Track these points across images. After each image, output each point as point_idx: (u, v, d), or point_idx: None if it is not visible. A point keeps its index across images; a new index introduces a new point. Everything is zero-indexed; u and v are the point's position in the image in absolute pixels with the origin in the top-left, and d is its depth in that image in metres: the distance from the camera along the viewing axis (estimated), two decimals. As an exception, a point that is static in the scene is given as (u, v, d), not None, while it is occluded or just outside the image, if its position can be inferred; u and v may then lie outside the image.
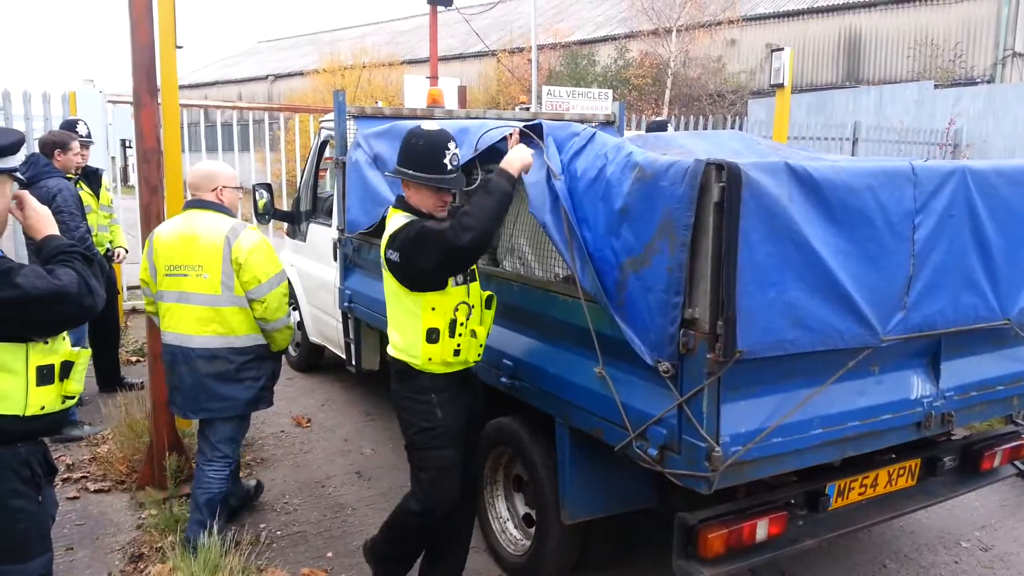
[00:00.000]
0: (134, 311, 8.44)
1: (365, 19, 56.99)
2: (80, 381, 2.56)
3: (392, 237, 2.99)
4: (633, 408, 2.84)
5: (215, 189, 3.73)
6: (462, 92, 9.93)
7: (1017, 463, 3.86)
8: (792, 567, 3.92)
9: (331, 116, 5.35)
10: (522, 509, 3.86)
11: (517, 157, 3.03)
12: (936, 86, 16.41)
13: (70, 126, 5.87)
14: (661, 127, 7.98)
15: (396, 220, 3.05)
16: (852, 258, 2.66)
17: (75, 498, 4.52)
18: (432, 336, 3.03)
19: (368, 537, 3.55)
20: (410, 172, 3.01)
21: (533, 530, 3.68)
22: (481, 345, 3.21)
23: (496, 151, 3.45)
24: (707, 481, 2.59)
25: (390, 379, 3.27)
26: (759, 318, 2.50)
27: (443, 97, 6.22)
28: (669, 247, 2.58)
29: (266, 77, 34.53)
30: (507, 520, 3.91)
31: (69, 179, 5.45)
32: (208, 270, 3.60)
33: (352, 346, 5.35)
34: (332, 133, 5.38)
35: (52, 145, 5.49)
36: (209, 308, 3.63)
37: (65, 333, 2.53)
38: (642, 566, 3.92)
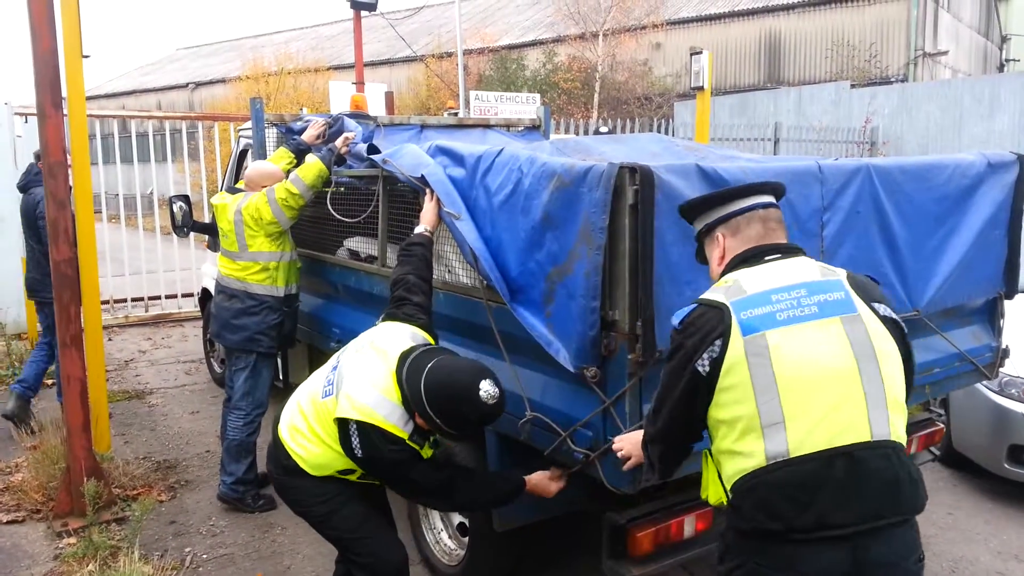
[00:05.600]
0: (50, 331, 8.09)
1: (289, 24, 56.11)
2: None
3: (369, 438, 2.65)
4: (559, 412, 2.85)
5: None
6: (389, 98, 9.80)
7: (932, 449, 4.01)
8: (723, 561, 3.97)
9: (249, 124, 5.23)
10: (456, 518, 3.83)
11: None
12: (852, 86, 16.98)
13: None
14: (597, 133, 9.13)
15: (379, 404, 2.68)
16: (763, 256, 2.70)
17: (-15, 531, 4.30)
18: (347, 472, 2.86)
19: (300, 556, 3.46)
20: (439, 423, 2.66)
21: (467, 539, 3.65)
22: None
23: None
24: (632, 481, 2.61)
25: (277, 470, 2.98)
26: (676, 318, 2.53)
27: (366, 103, 6.12)
28: (587, 251, 2.59)
29: (187, 85, 33.62)
30: (441, 530, 3.87)
31: None
32: (231, 235, 4.52)
33: (279, 360, 5.23)
34: (251, 141, 5.26)
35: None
36: (233, 261, 4.56)
37: None
38: (578, 569, 3.93)
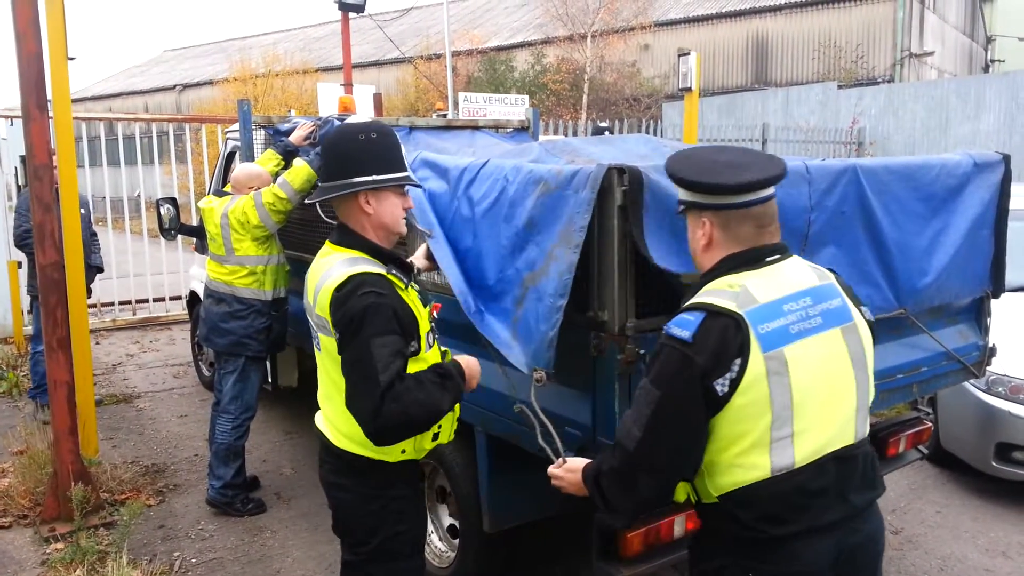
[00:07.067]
0: (36, 335, 8.04)
1: (277, 26, 55.73)
2: None
3: (339, 297, 2.18)
4: (549, 412, 2.84)
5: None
6: (377, 99, 9.78)
7: (920, 447, 4.02)
8: (713, 561, 3.98)
9: (237, 126, 5.21)
10: (446, 520, 3.82)
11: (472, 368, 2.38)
12: (840, 87, 17.07)
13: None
14: (599, 131, 9.30)
15: (341, 267, 2.25)
16: (750, 255, 2.71)
17: (-29, 537, 4.26)
18: None
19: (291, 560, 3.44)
20: (377, 177, 2.27)
21: (457, 541, 3.65)
22: (457, 418, 2.54)
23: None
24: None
25: (324, 466, 2.45)
26: (665, 318, 2.53)
27: (355, 104, 6.11)
28: (564, 252, 2.58)
29: (174, 87, 33.46)
30: (431, 532, 3.86)
31: None
32: (218, 239, 4.54)
33: (268, 363, 5.20)
34: (239, 143, 5.23)
35: None
36: (220, 264, 4.58)
37: None
38: (568, 570, 3.93)
